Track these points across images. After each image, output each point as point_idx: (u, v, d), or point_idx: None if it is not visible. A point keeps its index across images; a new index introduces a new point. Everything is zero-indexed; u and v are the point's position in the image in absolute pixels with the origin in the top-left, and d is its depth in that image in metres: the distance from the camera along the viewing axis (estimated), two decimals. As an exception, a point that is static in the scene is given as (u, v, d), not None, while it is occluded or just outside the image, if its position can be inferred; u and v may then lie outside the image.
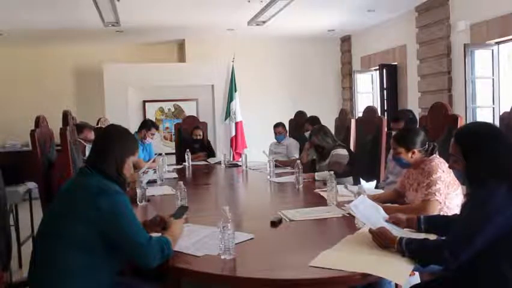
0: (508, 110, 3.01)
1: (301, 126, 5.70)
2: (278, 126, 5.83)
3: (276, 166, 4.33)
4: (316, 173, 4.04)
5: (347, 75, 8.98)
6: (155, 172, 4.20)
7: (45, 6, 5.69)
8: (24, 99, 8.18)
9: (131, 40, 8.28)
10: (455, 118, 3.22)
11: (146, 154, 5.53)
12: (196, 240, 2.18)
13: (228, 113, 8.09)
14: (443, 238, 1.99)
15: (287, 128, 6.51)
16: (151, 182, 3.93)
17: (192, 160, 5.46)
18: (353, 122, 4.99)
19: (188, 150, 5.50)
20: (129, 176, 2.13)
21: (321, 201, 3.03)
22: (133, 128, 5.99)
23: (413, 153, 2.70)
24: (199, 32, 7.83)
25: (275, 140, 5.86)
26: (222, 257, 1.93)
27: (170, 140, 8.06)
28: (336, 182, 2.94)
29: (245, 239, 2.19)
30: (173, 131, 7.48)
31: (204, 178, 4.78)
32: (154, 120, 7.24)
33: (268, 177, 4.15)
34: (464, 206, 1.96)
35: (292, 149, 5.61)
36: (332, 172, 3.01)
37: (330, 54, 9.15)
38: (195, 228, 2.38)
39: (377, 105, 7.40)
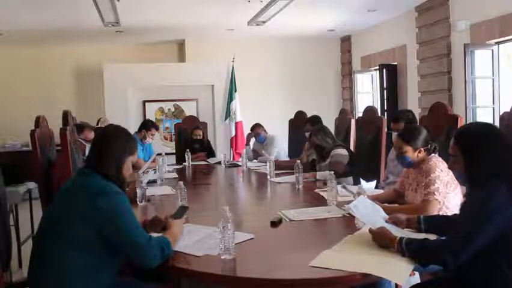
0: (508, 110, 3.01)
1: (301, 126, 5.69)
2: (254, 128, 5.79)
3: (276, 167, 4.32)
4: (317, 173, 4.04)
5: (347, 75, 8.98)
6: (155, 172, 4.20)
7: (45, 6, 5.69)
8: (24, 99, 8.19)
9: (131, 40, 8.28)
10: (455, 118, 3.21)
11: (146, 154, 5.53)
12: (196, 240, 2.17)
13: (228, 113, 8.09)
14: (443, 238, 1.99)
15: (287, 128, 6.53)
16: (151, 182, 3.93)
17: (192, 160, 5.45)
18: (353, 122, 4.99)
19: (188, 150, 5.50)
20: (128, 176, 2.13)
21: (321, 201, 3.03)
22: (133, 128, 5.99)
23: (420, 152, 2.69)
24: (199, 32, 7.84)
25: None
26: (222, 257, 1.92)
27: (170, 140, 8.06)
28: (336, 182, 2.94)
29: (245, 239, 2.19)
30: (173, 131, 7.48)
31: (204, 178, 4.77)
32: (154, 120, 7.25)
33: (268, 177, 4.15)
34: (464, 206, 1.96)
35: (269, 147, 5.57)
36: (333, 172, 3.01)
37: (330, 54, 9.16)
38: (195, 228, 2.38)
39: (377, 105, 7.40)
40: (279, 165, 4.43)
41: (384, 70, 7.20)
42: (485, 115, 5.40)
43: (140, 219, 2.08)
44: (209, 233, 2.26)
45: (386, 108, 7.10)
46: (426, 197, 2.52)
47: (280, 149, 5.60)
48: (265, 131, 5.81)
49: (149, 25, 7.07)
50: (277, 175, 4.18)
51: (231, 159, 7.19)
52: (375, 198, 2.69)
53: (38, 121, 3.21)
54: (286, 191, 3.72)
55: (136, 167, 3.15)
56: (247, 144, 6.01)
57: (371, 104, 7.39)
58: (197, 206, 3.07)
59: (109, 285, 1.93)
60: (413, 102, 6.59)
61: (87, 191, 1.91)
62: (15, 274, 3.65)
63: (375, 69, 7.93)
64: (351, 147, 4.67)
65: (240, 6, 5.97)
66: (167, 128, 8.22)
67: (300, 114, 6.27)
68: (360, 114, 5.14)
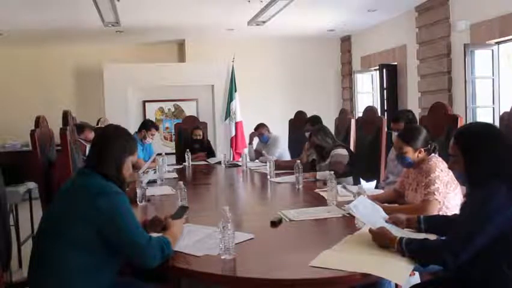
0: (508, 110, 3.01)
1: (301, 126, 5.69)
2: (258, 127, 5.79)
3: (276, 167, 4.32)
4: (317, 173, 4.04)
5: (347, 75, 8.98)
6: (155, 172, 4.20)
7: (45, 6, 5.69)
8: (24, 99, 8.19)
9: (131, 40, 8.28)
10: (455, 118, 3.22)
11: (146, 154, 5.53)
12: (196, 240, 2.18)
13: (228, 113, 8.09)
14: (443, 238, 1.99)
15: (287, 128, 6.52)
16: (151, 182, 3.93)
17: (192, 160, 5.46)
18: (353, 122, 4.99)
19: (188, 150, 5.50)
20: (128, 176, 2.13)
21: (321, 201, 3.03)
22: (133, 128, 5.99)
23: (420, 152, 2.69)
24: (199, 32, 7.84)
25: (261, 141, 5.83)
26: (222, 257, 1.93)
27: (170, 140, 8.06)
28: (336, 182, 2.94)
29: (245, 239, 2.19)
30: (173, 131, 7.48)
31: (204, 178, 4.77)
32: (154, 120, 7.25)
33: (268, 177, 4.15)
34: (464, 206, 1.96)
35: (271, 148, 5.57)
36: (333, 172, 3.01)
37: (330, 54, 9.16)
38: (195, 228, 2.38)
39: (377, 105, 7.40)
40: (279, 165, 4.43)
41: (384, 70, 7.20)
42: (485, 115, 5.39)
43: (140, 219, 2.08)
44: (209, 233, 2.26)
45: (386, 108, 7.10)
46: (426, 197, 2.53)
47: (283, 149, 5.59)
48: (268, 131, 5.80)
49: (149, 25, 7.07)
50: (277, 175, 4.18)
51: (231, 159, 7.19)
52: (375, 198, 2.69)
53: (38, 121, 3.21)
54: (286, 191, 3.72)
55: (136, 167, 3.15)
56: (250, 143, 6.01)
57: (371, 104, 7.39)
58: (197, 206, 3.07)
59: (109, 285, 1.93)
60: (413, 102, 6.59)
61: (87, 191, 1.91)
62: (15, 274, 3.65)
63: (375, 69, 7.93)
64: (351, 147, 4.68)
65: (240, 6, 5.97)
66: (167, 128, 8.22)
67: (300, 114, 6.27)
68: (360, 114, 5.14)
